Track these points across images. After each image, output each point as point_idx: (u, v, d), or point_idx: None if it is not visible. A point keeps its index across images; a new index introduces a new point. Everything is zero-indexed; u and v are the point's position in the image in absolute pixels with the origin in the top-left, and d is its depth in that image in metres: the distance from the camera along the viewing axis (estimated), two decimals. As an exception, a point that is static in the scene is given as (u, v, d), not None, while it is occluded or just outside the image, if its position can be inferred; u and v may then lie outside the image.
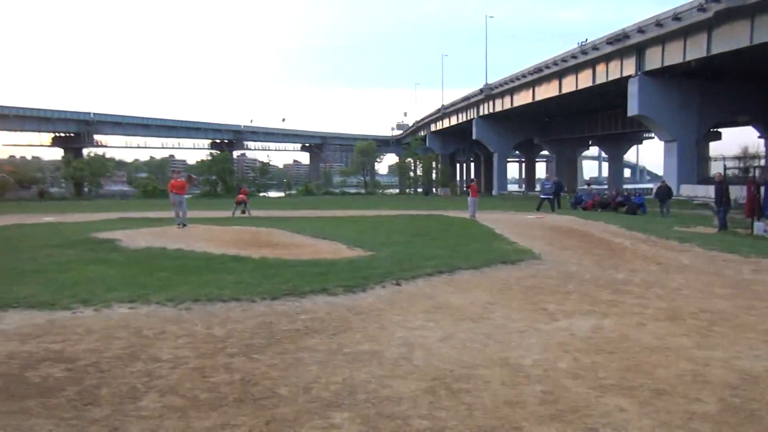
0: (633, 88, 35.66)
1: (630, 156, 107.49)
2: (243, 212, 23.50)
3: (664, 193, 22.73)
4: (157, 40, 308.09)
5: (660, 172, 45.07)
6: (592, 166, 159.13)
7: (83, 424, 3.24)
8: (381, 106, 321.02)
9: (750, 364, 4.28)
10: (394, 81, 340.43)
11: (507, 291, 7.05)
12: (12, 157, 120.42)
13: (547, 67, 44.87)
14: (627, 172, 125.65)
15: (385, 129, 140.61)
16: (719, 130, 47.24)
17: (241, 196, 24.85)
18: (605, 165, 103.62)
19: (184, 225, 14.51)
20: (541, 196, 25.28)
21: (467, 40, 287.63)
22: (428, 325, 5.38)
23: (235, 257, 9.14)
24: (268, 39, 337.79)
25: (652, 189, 39.51)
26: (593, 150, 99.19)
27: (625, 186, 67.14)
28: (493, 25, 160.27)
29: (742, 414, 3.38)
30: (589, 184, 39.06)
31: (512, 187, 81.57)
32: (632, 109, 36.10)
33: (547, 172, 60.70)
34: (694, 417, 3.34)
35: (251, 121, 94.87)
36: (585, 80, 41.61)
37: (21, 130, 70.63)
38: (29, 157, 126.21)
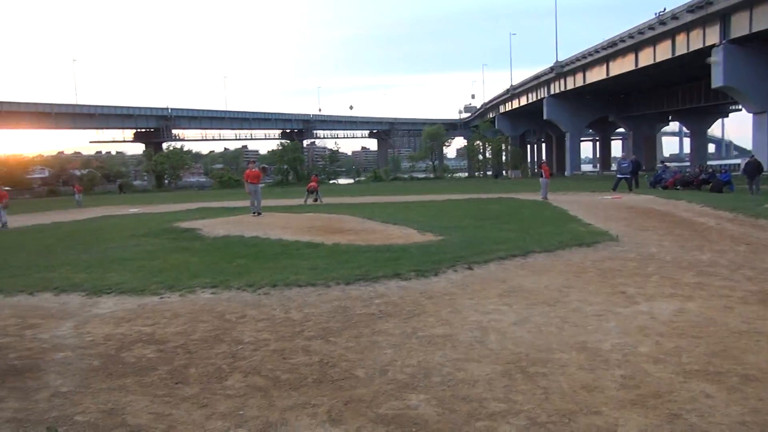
0: (717, 58, 33.55)
1: (714, 130, 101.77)
2: (315, 200, 23.98)
3: (754, 169, 21.35)
4: (229, 35, 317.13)
5: (748, 146, 42.39)
6: (672, 142, 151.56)
7: (175, 401, 3.46)
8: (448, 89, 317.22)
9: None
10: (461, 64, 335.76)
11: (583, 274, 6.86)
12: (98, 152, 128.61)
13: (622, 40, 42.92)
14: (711, 148, 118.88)
15: (453, 112, 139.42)
16: (816, 99, 43.77)
17: (312, 184, 25.34)
18: (687, 141, 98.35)
19: (259, 213, 15.00)
20: (618, 176, 24.38)
21: (536, 18, 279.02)
22: (502, 308, 5.34)
23: (309, 244, 9.37)
24: (335, 28, 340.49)
25: (739, 165, 37.18)
26: (673, 125, 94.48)
27: (710, 162, 63.53)
28: (562, 0, 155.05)
29: (843, 402, 3.17)
30: (663, 162, 37.05)
31: (586, 167, 79.05)
32: (717, 80, 33.98)
33: (623, 151, 58.33)
34: (788, 404, 3.16)
35: (320, 110, 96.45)
36: (663, 52, 39.48)
37: (106, 128, 74.82)
38: (114, 153, 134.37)
